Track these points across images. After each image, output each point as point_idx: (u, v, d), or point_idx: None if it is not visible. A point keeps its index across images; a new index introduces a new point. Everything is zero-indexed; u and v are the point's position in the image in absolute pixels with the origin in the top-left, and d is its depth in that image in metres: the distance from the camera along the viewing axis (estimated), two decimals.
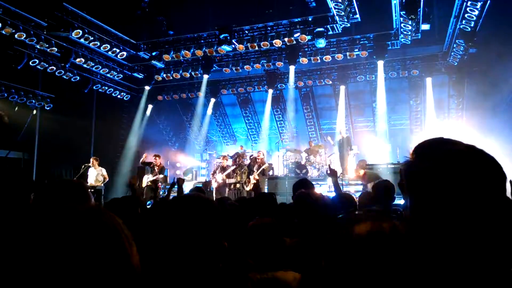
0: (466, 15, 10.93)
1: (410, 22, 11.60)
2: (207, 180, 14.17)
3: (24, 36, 11.63)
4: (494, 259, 1.04)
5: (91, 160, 11.90)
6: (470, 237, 1.04)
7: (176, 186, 5.80)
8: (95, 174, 11.74)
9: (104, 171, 11.97)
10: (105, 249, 0.72)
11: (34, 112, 13.93)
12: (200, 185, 11.29)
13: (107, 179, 12.15)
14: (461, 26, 11.50)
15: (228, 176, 12.24)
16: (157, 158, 12.59)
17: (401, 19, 11.65)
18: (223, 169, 12.31)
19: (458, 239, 1.05)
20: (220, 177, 12.18)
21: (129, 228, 0.83)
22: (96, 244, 0.72)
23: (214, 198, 11.35)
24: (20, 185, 2.71)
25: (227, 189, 12.08)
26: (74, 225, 0.72)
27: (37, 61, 12.94)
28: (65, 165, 14.45)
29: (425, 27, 12.02)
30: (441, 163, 1.09)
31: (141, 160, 12.85)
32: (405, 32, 12.32)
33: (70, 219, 0.74)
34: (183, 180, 5.59)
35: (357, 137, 17.02)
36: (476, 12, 10.65)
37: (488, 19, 11.09)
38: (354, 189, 12.05)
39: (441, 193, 1.07)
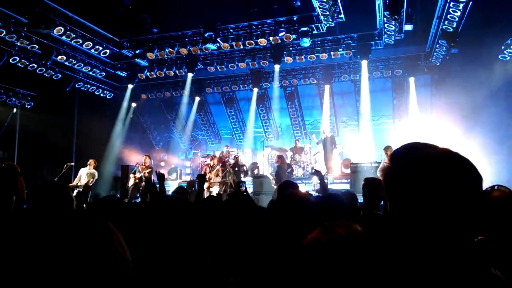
0: (448, 16, 11.06)
1: (393, 23, 11.71)
2: (192, 179, 14.11)
3: (4, 33, 11.39)
4: (470, 261, 1.06)
5: (90, 160, 11.73)
6: (446, 238, 1.06)
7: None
8: (88, 173, 11.55)
9: (95, 174, 11.81)
10: (99, 254, 0.71)
11: (14, 110, 13.69)
12: (184, 185, 11.21)
13: (94, 179, 11.96)
14: (444, 27, 11.65)
15: (216, 175, 12.23)
16: (147, 157, 12.56)
17: (385, 19, 11.75)
18: (212, 168, 12.31)
19: (434, 240, 1.07)
20: (208, 176, 12.17)
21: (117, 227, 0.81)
22: (90, 247, 0.70)
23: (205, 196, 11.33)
24: (3, 188, 2.64)
25: (217, 188, 12.08)
26: (68, 230, 0.71)
27: (18, 58, 12.69)
28: (47, 164, 14.23)
29: (408, 27, 12.16)
30: (416, 167, 1.11)
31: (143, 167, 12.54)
32: (388, 32, 12.44)
33: (64, 223, 0.72)
34: (163, 175, 5.54)
35: (341, 136, 17.12)
36: (458, 13, 10.79)
37: (470, 20, 11.25)
38: (338, 187, 12.11)
39: (417, 197, 1.09)
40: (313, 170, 5.26)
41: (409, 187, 1.10)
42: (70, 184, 11.04)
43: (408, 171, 1.13)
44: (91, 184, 11.59)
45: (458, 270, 1.05)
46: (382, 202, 4.08)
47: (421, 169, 1.10)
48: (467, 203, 1.07)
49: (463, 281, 1.04)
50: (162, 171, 14.70)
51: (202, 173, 12.72)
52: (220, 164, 12.70)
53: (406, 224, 1.12)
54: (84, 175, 11.56)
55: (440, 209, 1.07)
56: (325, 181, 7.69)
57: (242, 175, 13.45)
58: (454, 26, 11.34)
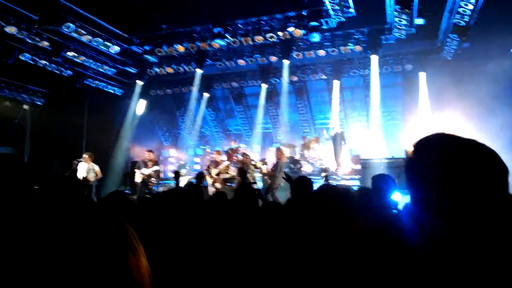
0: (460, 9, 10.92)
1: (404, 17, 11.58)
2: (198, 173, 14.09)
3: (15, 29, 11.47)
4: (497, 256, 1.02)
5: (85, 155, 11.68)
6: (472, 231, 1.03)
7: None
8: (86, 170, 11.51)
9: (96, 167, 11.76)
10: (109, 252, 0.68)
11: (25, 107, 13.78)
12: (194, 181, 11.20)
13: (100, 176, 11.96)
14: (455, 21, 11.50)
15: (222, 171, 12.18)
16: (150, 153, 12.51)
17: (396, 13, 11.62)
18: (217, 164, 12.25)
19: (460, 233, 1.03)
20: (214, 172, 12.13)
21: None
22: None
23: (210, 193, 11.33)
24: (24, 178, 2.65)
25: (219, 185, 12.02)
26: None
27: (28, 55, 12.78)
28: (57, 160, 14.33)
29: (419, 21, 12.00)
30: (442, 158, 1.07)
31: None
32: (399, 27, 12.29)
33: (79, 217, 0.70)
34: (179, 174, 5.59)
35: (351, 132, 17.03)
36: (470, 7, 10.65)
37: (482, 13, 11.10)
38: (348, 184, 12.04)
39: (442, 188, 1.06)
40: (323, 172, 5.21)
41: (436, 179, 1.08)
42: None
43: (435, 163, 1.09)
44: (93, 180, 11.55)
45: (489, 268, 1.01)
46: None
47: (449, 160, 1.07)
48: (494, 193, 1.04)
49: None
50: (172, 167, 14.70)
51: (206, 168, 12.71)
52: (228, 160, 12.67)
53: (432, 218, 1.08)
54: (83, 171, 11.44)
55: (468, 201, 1.03)
56: (334, 177, 7.63)
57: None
58: (466, 20, 11.19)
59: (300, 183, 4.22)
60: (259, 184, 12.65)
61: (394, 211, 3.68)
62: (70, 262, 0.64)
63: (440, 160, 1.08)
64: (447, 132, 1.18)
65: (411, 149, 1.21)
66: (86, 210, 0.72)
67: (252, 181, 11.77)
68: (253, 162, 12.30)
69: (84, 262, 0.65)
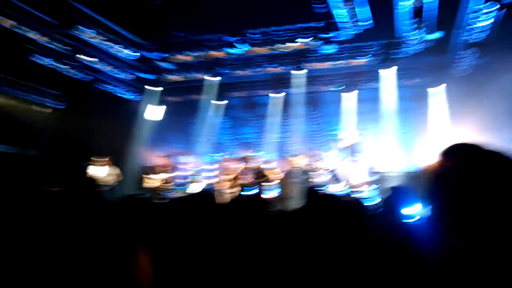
0: (473, 25, 10.97)
1: (417, 31, 11.66)
2: (217, 182, 14.21)
3: (35, 34, 11.76)
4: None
5: (104, 158, 11.93)
6: (489, 246, 1.05)
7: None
8: (107, 173, 11.76)
9: (116, 170, 11.98)
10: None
11: (48, 110, 14.05)
12: (209, 187, 11.35)
13: (121, 179, 12.14)
14: (468, 36, 11.54)
15: (236, 178, 12.29)
16: (165, 159, 12.67)
17: (409, 27, 11.70)
18: (232, 171, 12.38)
19: (477, 248, 1.06)
20: (229, 178, 12.26)
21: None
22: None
23: (226, 199, 11.43)
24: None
25: (236, 191, 12.14)
26: None
27: (48, 59, 13.07)
28: (75, 163, 14.56)
29: (432, 36, 12.06)
30: (475, 165, 1.14)
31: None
32: (412, 41, 12.37)
33: None
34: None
35: (364, 144, 17.00)
36: (484, 23, 10.69)
37: (496, 28, 11.11)
38: (360, 196, 12.05)
39: (465, 194, 1.11)
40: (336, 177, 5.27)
41: (468, 185, 1.11)
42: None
43: (467, 169, 1.12)
44: (114, 182, 11.82)
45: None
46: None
47: (482, 167, 1.09)
48: None
49: None
50: (187, 173, 14.82)
51: (221, 175, 12.82)
52: (242, 168, 12.76)
53: (462, 223, 1.11)
54: (104, 173, 11.71)
55: (499, 209, 1.06)
56: (345, 189, 7.67)
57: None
58: (479, 36, 11.23)
59: (309, 193, 4.30)
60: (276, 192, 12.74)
61: (411, 222, 3.75)
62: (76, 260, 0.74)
63: (472, 166, 1.13)
64: (471, 143, 1.18)
65: (431, 162, 1.24)
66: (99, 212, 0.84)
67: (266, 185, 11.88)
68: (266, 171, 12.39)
69: (89, 260, 0.74)
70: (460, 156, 1.15)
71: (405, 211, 3.99)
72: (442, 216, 1.14)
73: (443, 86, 15.20)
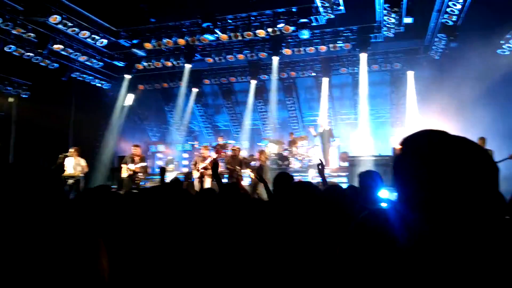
0: (448, 9, 11.00)
1: (393, 15, 11.63)
2: (189, 171, 14.05)
3: (0, 20, 11.26)
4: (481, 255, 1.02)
5: (72, 149, 11.68)
6: (458, 230, 1.02)
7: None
8: (73, 164, 11.52)
9: (83, 162, 11.74)
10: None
11: (10, 99, 13.57)
12: (181, 176, 11.17)
13: (87, 170, 11.93)
14: (443, 20, 11.59)
15: (209, 167, 12.13)
16: (137, 148, 12.40)
17: (385, 11, 11.66)
18: (204, 159, 12.21)
19: (445, 232, 1.02)
20: (201, 167, 12.09)
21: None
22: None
23: (197, 189, 11.29)
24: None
25: (209, 180, 11.97)
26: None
27: (13, 47, 12.56)
28: (43, 154, 14.15)
29: (408, 20, 12.04)
30: (430, 155, 1.06)
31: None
32: (388, 25, 12.35)
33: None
34: (165, 169, 5.47)
35: (339, 129, 17.09)
36: (458, 6, 10.74)
37: (470, 14, 11.19)
38: (336, 181, 12.08)
39: (429, 186, 1.05)
40: (320, 166, 5.17)
41: (424, 176, 1.06)
42: (64, 174, 10.99)
43: (423, 159, 1.08)
44: (80, 174, 11.57)
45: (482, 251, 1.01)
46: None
47: (438, 156, 1.05)
48: (486, 193, 1.03)
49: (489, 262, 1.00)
50: (159, 162, 14.65)
51: (193, 163, 12.65)
52: (216, 155, 12.63)
53: (420, 214, 1.07)
54: (70, 165, 11.47)
55: (456, 199, 1.02)
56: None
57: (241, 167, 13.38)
58: (454, 19, 11.30)
59: (280, 179, 4.26)
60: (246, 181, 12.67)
61: (381, 208, 3.68)
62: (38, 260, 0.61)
63: (428, 157, 1.07)
64: (435, 128, 1.17)
65: (398, 146, 1.20)
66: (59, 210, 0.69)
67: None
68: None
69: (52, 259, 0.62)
70: (419, 144, 1.11)
71: (380, 194, 3.94)
72: (406, 201, 1.12)
73: (418, 70, 15.31)
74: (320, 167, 5.07)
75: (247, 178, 12.71)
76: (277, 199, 4.21)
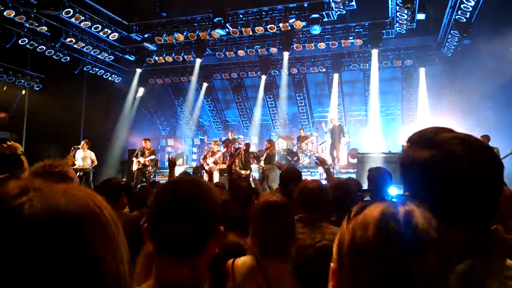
0: (461, 6, 10.89)
1: (406, 11, 11.53)
2: (198, 165, 14.11)
3: (13, 14, 11.34)
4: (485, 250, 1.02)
5: (82, 142, 11.81)
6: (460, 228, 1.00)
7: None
8: (83, 157, 11.64)
9: (93, 155, 11.87)
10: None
11: (23, 92, 13.71)
12: (190, 170, 11.22)
13: (96, 163, 12.06)
14: (456, 17, 11.48)
15: (218, 161, 12.19)
16: (147, 141, 12.49)
17: (397, 7, 11.57)
18: (214, 154, 12.25)
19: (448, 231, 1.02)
20: (210, 161, 12.14)
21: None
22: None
23: None
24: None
25: (218, 175, 12.01)
26: None
27: (27, 40, 12.66)
28: (54, 146, 14.29)
29: (420, 16, 11.95)
30: (436, 152, 1.06)
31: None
32: (400, 21, 12.24)
33: None
34: (174, 163, 5.44)
35: (349, 126, 17.02)
36: (472, 3, 10.62)
37: (483, 11, 11.06)
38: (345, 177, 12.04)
39: (436, 182, 1.04)
40: (317, 161, 5.16)
41: (431, 173, 1.06)
42: (74, 167, 11.10)
43: (429, 156, 1.08)
44: (90, 167, 11.70)
45: (472, 258, 1.01)
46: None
47: (444, 153, 1.06)
48: (488, 188, 1.03)
49: (476, 269, 1.00)
50: (170, 156, 14.72)
51: (202, 157, 12.70)
52: (225, 150, 12.65)
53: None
54: (80, 158, 11.60)
55: (462, 196, 1.02)
56: (331, 170, 7.65)
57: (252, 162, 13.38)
58: (467, 16, 11.18)
59: (288, 173, 4.21)
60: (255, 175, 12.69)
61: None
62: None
63: (434, 155, 1.07)
64: (442, 126, 1.17)
65: (406, 143, 1.20)
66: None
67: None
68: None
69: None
70: (426, 142, 1.11)
71: (384, 191, 3.93)
72: (413, 197, 1.08)
73: (430, 67, 15.16)
74: (318, 162, 5.06)
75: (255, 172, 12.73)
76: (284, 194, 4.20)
